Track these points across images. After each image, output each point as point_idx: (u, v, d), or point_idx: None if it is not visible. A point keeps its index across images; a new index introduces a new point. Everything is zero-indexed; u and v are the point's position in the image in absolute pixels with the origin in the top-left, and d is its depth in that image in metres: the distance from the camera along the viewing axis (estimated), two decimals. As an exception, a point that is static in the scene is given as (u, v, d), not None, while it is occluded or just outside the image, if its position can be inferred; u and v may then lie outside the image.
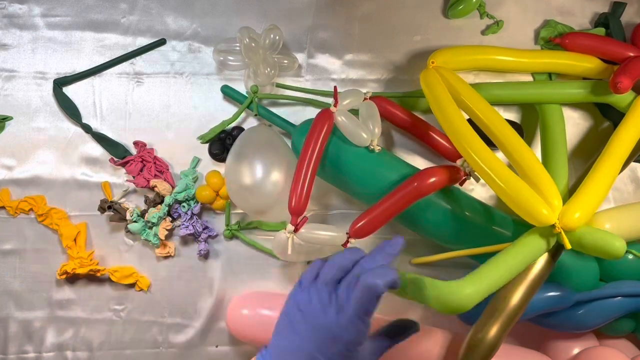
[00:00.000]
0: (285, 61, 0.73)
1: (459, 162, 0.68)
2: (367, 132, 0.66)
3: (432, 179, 0.63)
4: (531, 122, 0.74)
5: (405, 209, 0.64)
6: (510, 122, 0.73)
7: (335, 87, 0.67)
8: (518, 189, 0.60)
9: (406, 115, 0.71)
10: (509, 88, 0.73)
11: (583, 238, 0.60)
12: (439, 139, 0.71)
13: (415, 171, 0.67)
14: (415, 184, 0.63)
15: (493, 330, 0.62)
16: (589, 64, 0.72)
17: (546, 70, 0.74)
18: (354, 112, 0.69)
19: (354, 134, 0.66)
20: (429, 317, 0.74)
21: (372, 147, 0.66)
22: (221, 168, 0.74)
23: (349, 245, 0.64)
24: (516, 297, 0.63)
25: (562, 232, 0.60)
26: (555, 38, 0.74)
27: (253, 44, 0.71)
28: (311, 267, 0.53)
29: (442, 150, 0.71)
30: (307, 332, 0.50)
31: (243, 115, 0.75)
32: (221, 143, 0.74)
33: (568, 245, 0.60)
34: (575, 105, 0.76)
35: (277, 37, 0.72)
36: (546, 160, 0.69)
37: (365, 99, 0.69)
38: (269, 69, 0.71)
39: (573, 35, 0.73)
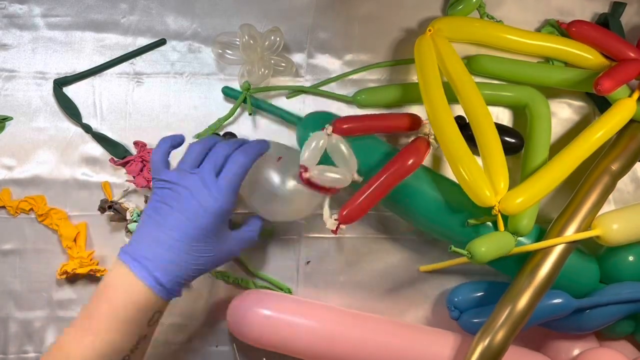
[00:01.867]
0: (283, 64, 0.73)
1: (420, 131, 0.70)
2: (345, 172, 0.65)
3: (411, 160, 0.65)
4: (522, 127, 0.74)
5: (389, 191, 0.65)
6: (512, 130, 0.73)
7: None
8: (469, 168, 0.63)
9: (363, 121, 0.69)
10: (507, 64, 0.73)
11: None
12: (398, 120, 0.70)
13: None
14: (397, 165, 0.64)
15: (500, 335, 0.62)
16: (590, 55, 0.72)
17: (547, 55, 0.73)
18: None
19: (336, 182, 0.65)
20: (431, 319, 0.75)
21: (354, 181, 0.66)
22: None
23: (339, 232, 0.65)
24: (523, 301, 0.63)
25: (500, 216, 0.63)
26: (563, 23, 0.74)
27: (252, 42, 0.71)
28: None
29: (407, 128, 0.70)
30: (176, 220, 0.57)
31: (239, 111, 0.75)
32: (212, 146, 0.74)
33: (502, 228, 0.64)
34: (573, 98, 0.76)
35: (278, 39, 0.72)
36: (526, 156, 0.70)
37: (328, 135, 0.66)
38: (263, 69, 0.72)
39: (580, 24, 0.73)
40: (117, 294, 0.57)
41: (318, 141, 0.66)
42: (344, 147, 0.66)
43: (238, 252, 0.65)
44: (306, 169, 0.64)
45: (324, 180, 0.65)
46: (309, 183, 0.65)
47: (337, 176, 0.65)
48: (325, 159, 0.66)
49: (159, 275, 0.57)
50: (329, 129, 0.67)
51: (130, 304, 0.56)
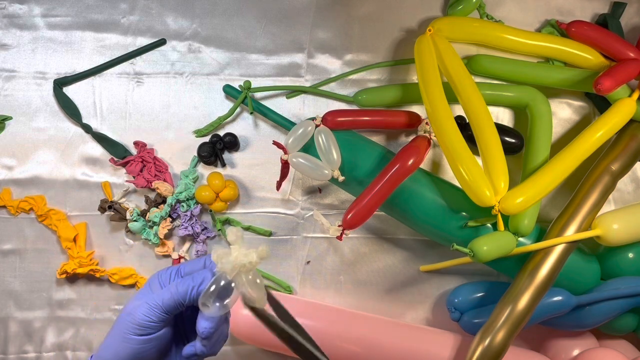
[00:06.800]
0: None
1: (419, 129, 0.69)
2: (327, 165, 0.65)
3: (411, 160, 0.65)
4: (523, 127, 0.74)
5: (391, 192, 0.64)
6: (512, 130, 0.73)
7: (274, 142, 0.66)
8: (469, 167, 0.63)
9: (358, 116, 0.70)
10: (507, 64, 0.73)
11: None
12: (394, 117, 0.71)
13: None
14: (398, 165, 0.64)
15: (500, 335, 0.62)
16: (590, 55, 0.72)
17: (546, 55, 0.74)
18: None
19: (315, 173, 0.66)
20: (431, 319, 0.75)
21: (335, 177, 0.66)
22: (219, 169, 0.74)
23: (343, 237, 0.64)
24: (523, 301, 0.63)
25: (499, 215, 0.63)
26: (563, 23, 0.74)
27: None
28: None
29: (403, 124, 0.71)
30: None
31: (239, 110, 0.75)
32: (211, 147, 0.73)
33: (501, 228, 0.64)
34: (573, 98, 0.76)
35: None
36: (527, 156, 0.70)
37: (317, 125, 0.67)
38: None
39: (579, 24, 0.73)
40: None
41: (305, 128, 0.66)
42: (329, 141, 0.66)
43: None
44: (286, 152, 0.66)
45: (299, 166, 0.65)
46: (285, 165, 0.66)
47: (311, 165, 0.65)
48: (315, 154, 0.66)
49: None
50: (318, 119, 0.67)
51: None
